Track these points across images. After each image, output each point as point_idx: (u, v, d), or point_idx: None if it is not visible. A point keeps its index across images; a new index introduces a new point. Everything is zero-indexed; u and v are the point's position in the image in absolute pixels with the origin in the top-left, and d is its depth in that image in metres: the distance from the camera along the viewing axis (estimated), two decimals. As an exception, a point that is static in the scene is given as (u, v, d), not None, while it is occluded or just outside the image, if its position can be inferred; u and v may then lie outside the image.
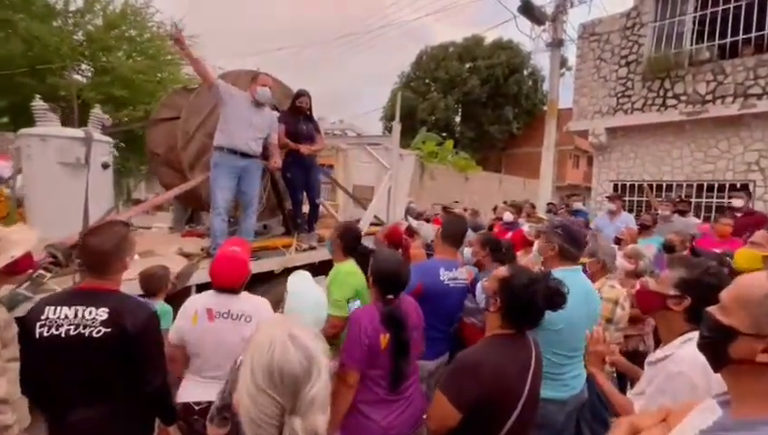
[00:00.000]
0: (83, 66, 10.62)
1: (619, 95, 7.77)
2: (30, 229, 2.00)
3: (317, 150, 4.06)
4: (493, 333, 1.52)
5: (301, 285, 1.54)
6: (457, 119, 26.45)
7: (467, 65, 25.23)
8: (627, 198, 7.65)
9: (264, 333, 0.77)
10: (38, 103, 2.89)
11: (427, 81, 25.78)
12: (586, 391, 2.01)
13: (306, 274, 1.68)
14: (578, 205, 6.74)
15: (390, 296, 1.81)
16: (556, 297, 1.47)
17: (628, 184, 7.97)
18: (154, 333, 1.56)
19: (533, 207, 7.18)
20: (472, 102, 24.78)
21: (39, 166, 2.79)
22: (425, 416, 1.69)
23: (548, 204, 7.72)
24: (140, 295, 2.43)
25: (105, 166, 3.00)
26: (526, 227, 5.51)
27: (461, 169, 17.13)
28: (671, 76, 7.22)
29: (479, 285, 2.65)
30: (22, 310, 2.16)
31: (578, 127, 8.26)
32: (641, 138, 7.67)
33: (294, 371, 0.71)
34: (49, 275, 2.39)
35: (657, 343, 2.55)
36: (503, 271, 1.55)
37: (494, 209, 10.41)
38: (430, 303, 2.32)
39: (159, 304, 2.46)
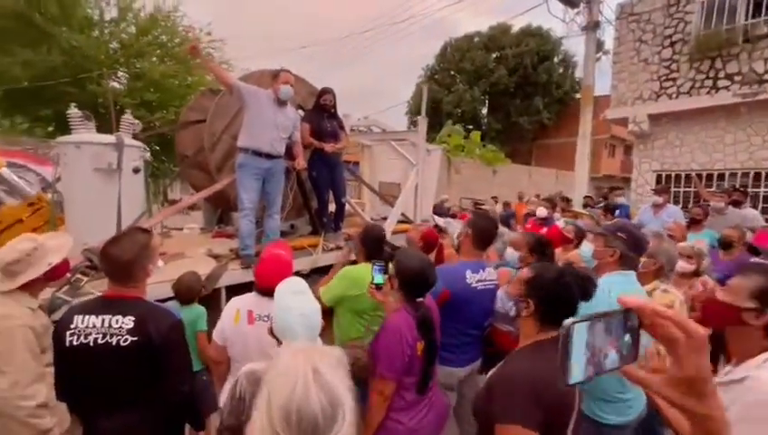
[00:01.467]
0: (119, 73, 11.11)
1: (663, 78, 7.21)
2: (65, 235, 2.05)
3: (341, 148, 4.01)
4: (535, 341, 1.37)
5: (286, 299, 1.41)
6: (484, 111, 25.77)
7: (494, 55, 24.49)
8: (672, 190, 7.12)
9: (285, 365, 0.69)
10: (73, 111, 2.98)
11: (452, 72, 25.25)
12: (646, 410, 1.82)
13: (297, 280, 1.53)
14: (620, 199, 6.29)
15: (420, 299, 1.74)
16: (588, 284, 1.37)
17: (673, 174, 7.42)
18: (179, 342, 1.55)
19: (568, 200, 6.82)
20: (499, 93, 24.06)
21: (75, 172, 2.88)
22: None
23: (585, 197, 7.28)
24: (166, 299, 2.47)
25: (136, 170, 3.05)
26: (561, 223, 5.25)
27: (488, 162, 16.67)
28: (723, 55, 6.60)
29: (500, 293, 2.47)
30: (61, 313, 2.25)
31: (616, 115, 7.75)
32: (688, 124, 7.10)
33: (315, 416, 0.62)
34: (86, 278, 2.46)
35: (714, 350, 2.32)
36: (526, 272, 1.42)
37: (520, 198, 10.03)
38: (459, 308, 2.21)
39: (194, 307, 2.48)
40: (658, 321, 0.59)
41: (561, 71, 24.92)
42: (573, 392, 1.31)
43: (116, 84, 11.03)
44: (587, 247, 2.14)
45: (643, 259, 2.36)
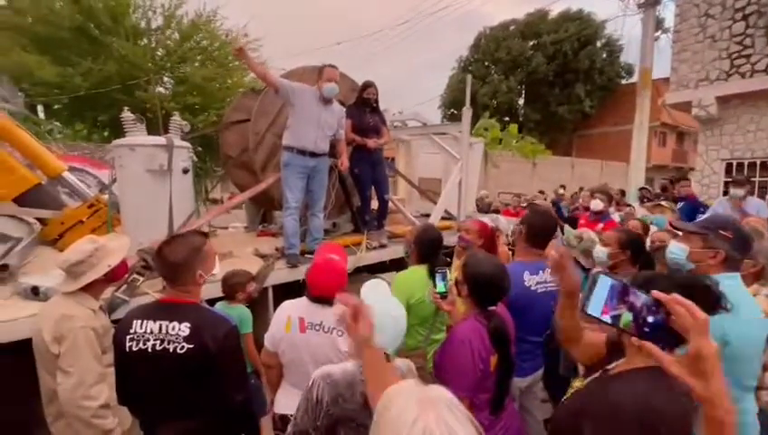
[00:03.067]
0: (165, 79, 11.63)
1: (734, 56, 6.46)
2: (124, 237, 2.06)
3: (384, 144, 3.91)
4: (650, 365, 1.14)
5: (377, 299, 1.36)
6: (521, 101, 24.79)
7: (531, 43, 23.44)
8: (744, 179, 6.39)
9: (407, 411, 0.59)
10: (126, 114, 3.05)
11: (486, 63, 24.43)
12: None
13: (381, 283, 1.50)
14: (687, 190, 5.69)
15: (492, 308, 1.59)
16: (717, 300, 1.06)
17: (746, 162, 6.66)
18: (234, 349, 1.49)
19: (623, 193, 6.33)
20: (537, 82, 23.03)
21: (129, 173, 2.95)
22: None
23: (641, 189, 6.70)
24: (215, 300, 2.45)
25: (185, 171, 3.09)
26: (617, 218, 4.84)
27: (526, 155, 15.98)
28: (808, 26, 5.82)
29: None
30: (121, 313, 2.29)
31: (677, 99, 7.04)
32: (766, 105, 6.32)
33: None
34: (142, 278, 2.49)
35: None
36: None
37: (562, 189, 9.45)
38: (517, 313, 2.02)
39: (239, 309, 2.45)
40: (677, 309, 0.71)
41: (604, 56, 23.45)
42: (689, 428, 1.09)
43: (162, 90, 11.55)
44: (678, 248, 1.83)
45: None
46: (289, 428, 1.35)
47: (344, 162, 3.47)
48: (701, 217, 3.66)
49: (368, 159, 3.77)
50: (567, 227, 3.16)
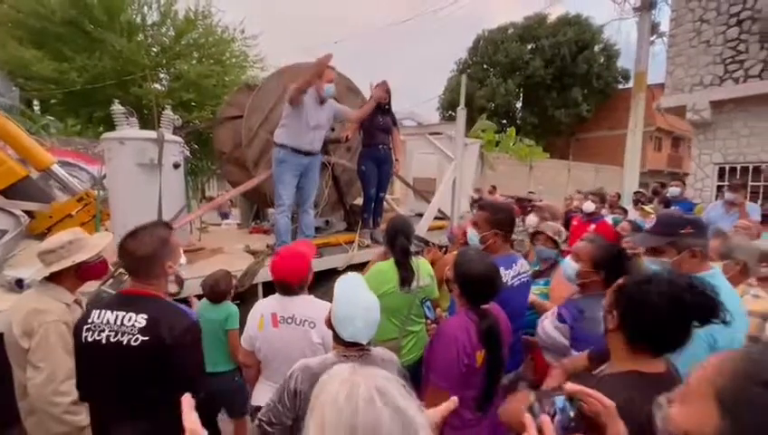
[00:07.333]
0: (161, 75, 11.55)
1: (728, 61, 6.51)
2: (107, 236, 2.03)
3: (397, 147, 3.93)
4: (633, 370, 1.07)
5: (348, 291, 1.39)
6: (518, 104, 24.87)
7: (529, 46, 23.55)
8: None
9: (339, 385, 0.60)
10: (116, 108, 3.03)
11: (485, 66, 24.50)
12: None
13: (356, 275, 1.51)
14: (674, 190, 5.71)
15: (485, 306, 1.58)
16: (705, 303, 0.98)
17: (739, 166, 6.70)
18: (193, 345, 1.41)
19: (618, 196, 6.35)
20: (534, 86, 23.12)
21: (119, 167, 2.92)
22: None
23: (635, 192, 6.72)
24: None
25: (176, 166, 3.07)
26: (609, 219, 4.86)
27: (522, 158, 16.02)
28: (801, 32, 5.86)
29: (547, 323, 2.06)
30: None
31: (672, 103, 7.07)
32: (759, 110, 6.35)
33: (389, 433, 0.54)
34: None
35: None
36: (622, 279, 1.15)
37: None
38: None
39: (226, 305, 2.44)
40: (589, 400, 0.85)
41: (602, 60, 23.58)
42: None
43: (157, 86, 11.48)
44: (657, 264, 1.67)
45: (724, 262, 2.08)
46: (260, 413, 1.36)
47: (356, 114, 3.52)
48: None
49: (375, 157, 3.76)
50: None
